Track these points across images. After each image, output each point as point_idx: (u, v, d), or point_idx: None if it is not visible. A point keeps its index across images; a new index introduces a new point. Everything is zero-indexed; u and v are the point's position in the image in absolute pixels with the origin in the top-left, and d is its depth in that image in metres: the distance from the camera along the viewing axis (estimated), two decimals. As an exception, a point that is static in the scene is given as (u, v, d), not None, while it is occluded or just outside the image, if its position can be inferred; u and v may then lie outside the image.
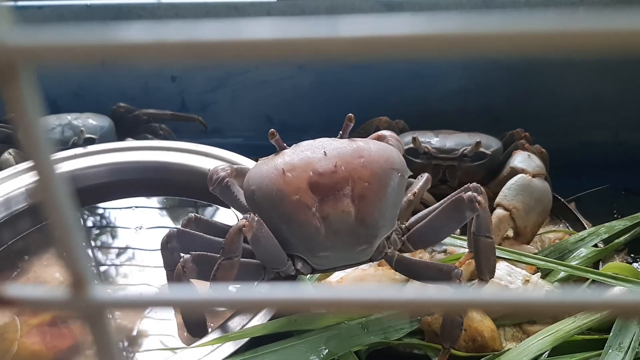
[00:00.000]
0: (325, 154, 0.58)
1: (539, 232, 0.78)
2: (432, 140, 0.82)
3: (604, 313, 0.64)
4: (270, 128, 0.61)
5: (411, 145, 0.81)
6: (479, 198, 0.59)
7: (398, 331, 0.62)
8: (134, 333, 0.64)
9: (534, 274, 0.70)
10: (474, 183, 0.63)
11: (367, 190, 0.57)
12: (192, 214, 0.64)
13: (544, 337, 0.60)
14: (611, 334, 0.62)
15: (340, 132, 0.62)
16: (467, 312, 0.58)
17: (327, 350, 0.57)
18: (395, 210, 0.60)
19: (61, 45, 0.11)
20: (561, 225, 0.81)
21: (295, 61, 0.96)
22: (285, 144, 0.61)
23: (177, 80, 0.97)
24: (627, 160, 0.91)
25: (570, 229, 0.80)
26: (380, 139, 0.69)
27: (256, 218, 0.54)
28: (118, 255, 0.76)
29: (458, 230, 0.67)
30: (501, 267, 0.69)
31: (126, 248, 0.76)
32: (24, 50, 0.11)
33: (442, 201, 0.61)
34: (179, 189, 0.81)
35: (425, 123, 0.89)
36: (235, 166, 0.66)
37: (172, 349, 0.56)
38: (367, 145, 0.60)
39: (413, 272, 0.60)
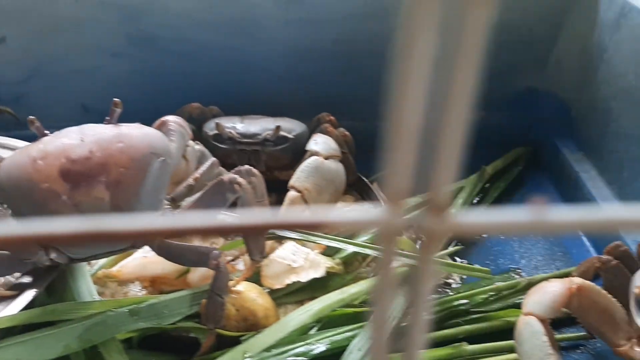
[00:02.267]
0: (82, 140, 0.57)
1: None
2: (238, 125, 0.83)
3: (370, 286, 0.67)
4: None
5: (216, 131, 0.82)
6: (239, 180, 0.60)
7: (174, 316, 0.62)
8: None
9: (322, 253, 0.72)
10: (246, 166, 0.64)
11: (123, 176, 0.56)
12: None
13: (305, 312, 0.62)
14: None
15: (107, 117, 0.61)
16: (228, 292, 0.59)
17: (85, 338, 0.57)
18: (158, 195, 0.60)
19: None
20: (365, 205, 0.84)
21: (109, 49, 0.94)
22: (47, 132, 0.60)
23: (-15, 71, 0.92)
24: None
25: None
26: (163, 124, 0.68)
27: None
28: None
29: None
30: (287, 247, 0.71)
31: None
32: None
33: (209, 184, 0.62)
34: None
35: (242, 109, 0.89)
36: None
37: None
38: (129, 131, 0.59)
39: (175, 256, 0.60)
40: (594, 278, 0.64)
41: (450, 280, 0.73)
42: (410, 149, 0.13)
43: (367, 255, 0.72)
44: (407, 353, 0.15)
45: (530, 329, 0.52)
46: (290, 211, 0.64)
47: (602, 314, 0.55)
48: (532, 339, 0.52)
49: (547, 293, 0.54)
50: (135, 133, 0.59)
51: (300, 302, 0.67)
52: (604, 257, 0.60)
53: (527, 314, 0.53)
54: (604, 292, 0.55)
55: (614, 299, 0.55)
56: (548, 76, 0.96)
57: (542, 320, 0.53)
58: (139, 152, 0.57)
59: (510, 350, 0.60)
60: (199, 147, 0.74)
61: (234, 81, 0.92)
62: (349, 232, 0.70)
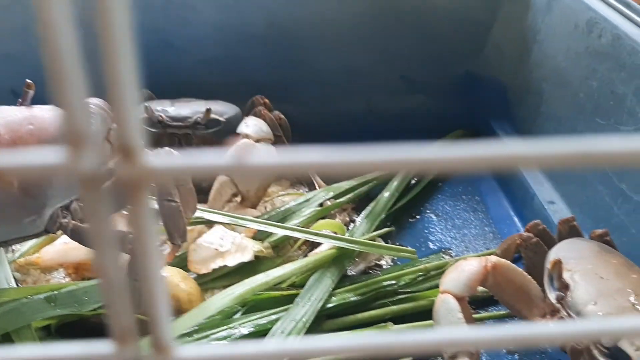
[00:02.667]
0: (-10, 122, 0.55)
1: (273, 196, 0.79)
2: (168, 108, 0.81)
3: (304, 267, 0.66)
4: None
5: (145, 114, 0.80)
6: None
7: (94, 302, 0.61)
8: None
9: (252, 237, 0.71)
10: (166, 148, 0.63)
11: (32, 159, 0.54)
12: None
13: (228, 295, 0.61)
14: (304, 288, 0.64)
15: (20, 99, 0.59)
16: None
17: (-5, 327, 0.55)
18: (72, 181, 0.58)
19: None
20: (301, 188, 0.83)
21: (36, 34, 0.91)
22: (-44, 115, 0.57)
23: None
24: (377, 126, 0.95)
25: (307, 191, 0.82)
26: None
27: None
28: None
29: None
30: (215, 232, 0.70)
31: None
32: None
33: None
34: None
35: (175, 93, 0.88)
36: None
37: None
38: (42, 113, 0.57)
39: (88, 241, 0.58)
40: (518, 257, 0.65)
41: (381, 262, 0.73)
42: (75, 90, 0.12)
43: (297, 239, 0.71)
44: (148, 307, 0.14)
45: (445, 306, 0.52)
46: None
47: (517, 291, 0.55)
48: (448, 316, 0.52)
49: (464, 271, 0.54)
50: (48, 115, 0.57)
51: (228, 286, 0.66)
52: (525, 234, 0.60)
53: (443, 292, 0.53)
54: (520, 270, 0.56)
55: (529, 277, 0.56)
56: (486, 60, 0.97)
57: (458, 299, 0.53)
58: (50, 135, 0.55)
59: (434, 329, 0.61)
60: (125, 130, 0.72)
61: (164, 64, 0.90)
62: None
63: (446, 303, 0.53)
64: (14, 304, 0.57)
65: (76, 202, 0.59)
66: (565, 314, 0.53)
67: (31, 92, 0.60)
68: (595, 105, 0.73)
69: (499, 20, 0.94)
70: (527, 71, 0.89)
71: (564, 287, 0.52)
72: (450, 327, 0.52)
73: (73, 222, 0.58)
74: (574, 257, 0.55)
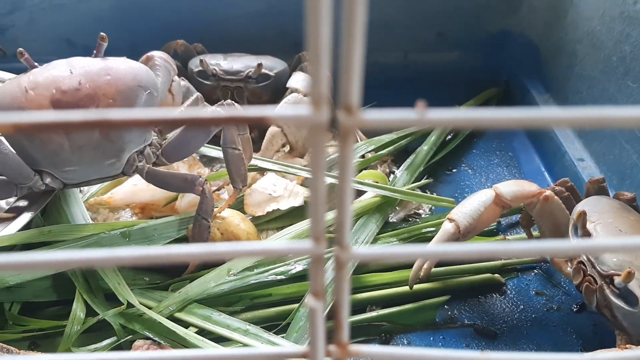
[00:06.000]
0: (71, 72, 0.60)
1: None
2: (221, 62, 0.85)
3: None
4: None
5: (200, 67, 0.84)
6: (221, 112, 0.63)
7: (163, 238, 0.67)
8: None
9: (301, 184, 0.77)
10: (229, 101, 0.68)
11: (111, 107, 0.59)
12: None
13: (283, 236, 0.67)
14: (351, 231, 0.70)
15: (95, 51, 0.64)
16: (213, 215, 0.64)
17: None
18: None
19: None
20: (343, 141, 0.88)
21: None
22: (36, 63, 0.62)
23: (-32, 3, 0.93)
24: (413, 79, 0.99)
25: (349, 144, 0.87)
26: (149, 59, 0.71)
27: (-8, 135, 0.56)
28: None
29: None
30: (268, 178, 0.75)
31: None
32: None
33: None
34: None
35: (224, 47, 0.92)
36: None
37: None
38: (116, 64, 0.62)
39: (163, 182, 0.64)
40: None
41: (420, 211, 0.78)
42: (322, 64, 0.17)
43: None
44: (337, 219, 0.19)
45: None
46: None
47: (552, 225, 0.62)
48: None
49: (523, 185, 0.61)
50: (123, 66, 0.62)
51: (280, 229, 0.72)
52: (557, 187, 0.65)
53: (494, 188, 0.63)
54: (566, 211, 0.62)
55: (567, 220, 0.62)
56: (521, 19, 0.99)
57: (506, 204, 0.63)
58: (126, 85, 0.60)
59: (475, 271, 0.68)
60: (184, 82, 0.77)
61: (216, 19, 0.94)
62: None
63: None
64: (95, 238, 0.63)
65: (149, 148, 0.64)
66: (585, 258, 0.59)
67: (104, 44, 0.64)
68: (627, 68, 0.77)
69: (536, -19, 0.96)
70: (562, 32, 0.92)
71: (587, 235, 0.58)
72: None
73: (148, 165, 0.64)
74: (597, 211, 0.60)
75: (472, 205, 0.63)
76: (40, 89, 0.58)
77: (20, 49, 0.62)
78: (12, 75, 0.81)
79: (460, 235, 0.62)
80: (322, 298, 0.21)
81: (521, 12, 0.99)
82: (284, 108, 0.79)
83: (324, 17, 0.16)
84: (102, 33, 0.64)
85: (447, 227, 0.63)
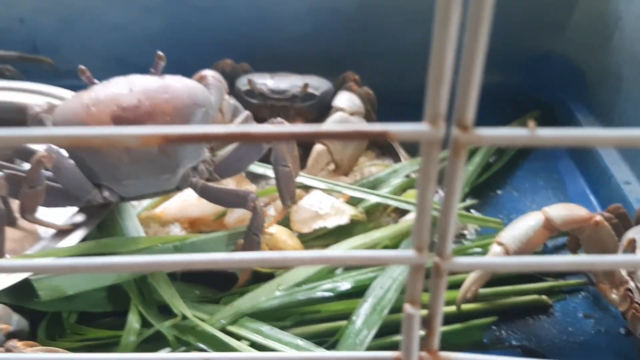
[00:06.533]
0: (131, 89, 0.62)
1: (362, 166, 0.85)
2: (268, 82, 0.87)
3: (397, 232, 0.72)
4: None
5: (248, 87, 0.86)
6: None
7: (212, 253, 0.68)
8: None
9: (346, 202, 0.77)
10: (278, 118, 0.69)
11: (168, 124, 0.61)
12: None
13: (333, 253, 0.67)
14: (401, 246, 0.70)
15: (152, 69, 0.66)
16: (263, 232, 0.65)
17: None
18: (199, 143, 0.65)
19: None
20: (386, 160, 0.89)
21: (142, 4, 0.98)
22: (96, 80, 0.65)
23: (26, 22, 0.97)
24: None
25: (392, 163, 0.87)
26: (202, 78, 0.73)
27: (55, 149, 0.58)
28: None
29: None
30: (314, 195, 0.76)
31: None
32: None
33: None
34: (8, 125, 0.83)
35: (269, 66, 0.94)
36: (54, 103, 0.68)
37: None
38: (174, 83, 0.64)
39: (216, 198, 0.66)
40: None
41: (465, 232, 0.78)
42: (444, 83, 0.18)
43: (388, 206, 0.77)
44: (441, 230, 0.20)
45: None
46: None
47: (602, 251, 0.61)
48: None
49: (573, 209, 0.61)
50: (179, 85, 0.64)
51: (326, 246, 0.73)
52: (606, 213, 0.65)
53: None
54: (614, 237, 0.61)
55: (616, 247, 0.61)
56: (565, 41, 1.00)
57: (554, 228, 0.62)
58: (183, 103, 0.62)
59: (521, 292, 0.67)
60: (233, 101, 0.79)
61: (261, 38, 0.96)
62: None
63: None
64: (148, 251, 0.64)
65: (202, 164, 0.66)
66: (634, 285, 0.58)
67: (162, 63, 0.66)
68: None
69: (580, 3, 0.96)
70: (607, 55, 0.92)
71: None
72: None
73: (202, 181, 0.65)
74: (647, 239, 0.60)
75: (521, 229, 0.63)
76: (101, 106, 0.60)
77: (82, 66, 0.64)
78: (68, 92, 0.84)
79: None
80: (419, 306, 0.22)
81: (565, 35, 0.99)
82: (361, 125, 0.81)
83: (451, 41, 0.17)
84: (159, 52, 0.66)
85: (495, 250, 0.63)
